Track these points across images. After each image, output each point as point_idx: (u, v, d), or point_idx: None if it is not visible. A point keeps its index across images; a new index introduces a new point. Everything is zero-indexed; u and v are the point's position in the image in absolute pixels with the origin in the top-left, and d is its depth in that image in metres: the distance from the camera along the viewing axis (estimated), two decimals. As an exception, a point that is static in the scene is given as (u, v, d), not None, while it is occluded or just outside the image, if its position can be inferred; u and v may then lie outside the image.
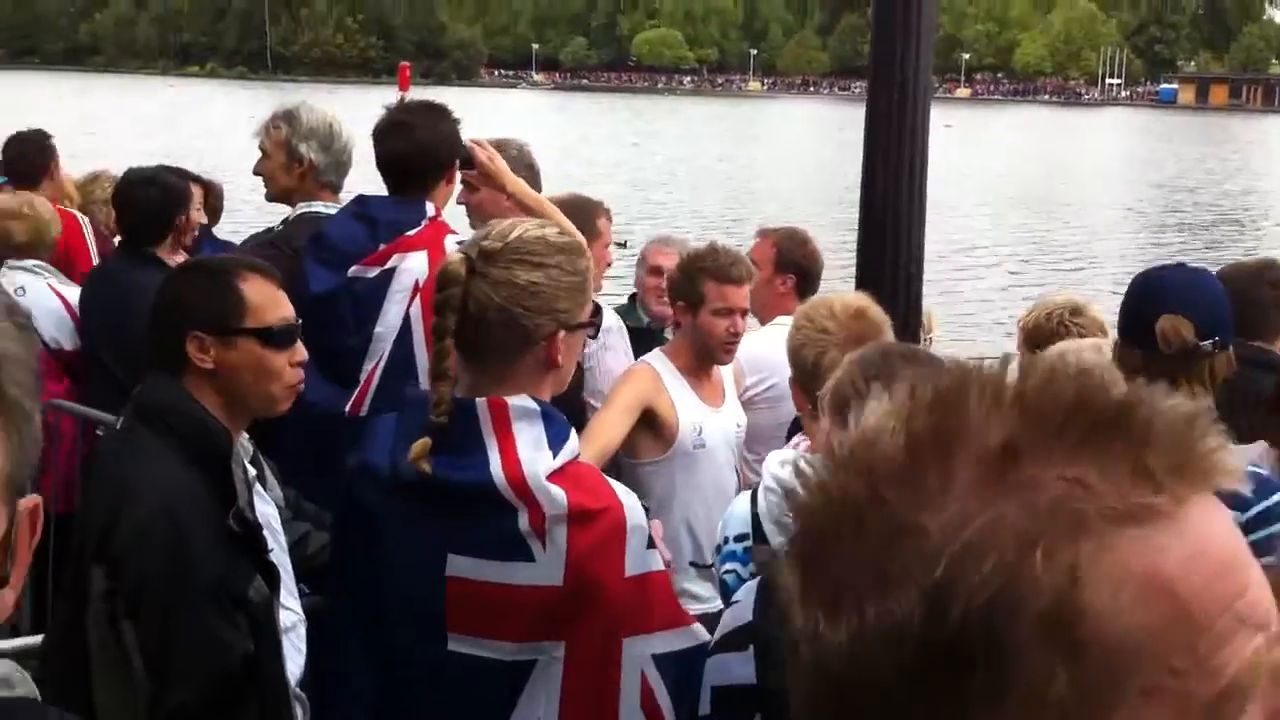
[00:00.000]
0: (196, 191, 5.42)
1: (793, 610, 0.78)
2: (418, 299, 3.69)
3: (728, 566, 3.26)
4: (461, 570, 2.41)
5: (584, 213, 4.49)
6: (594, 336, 2.73)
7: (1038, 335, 4.27)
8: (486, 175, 4.08)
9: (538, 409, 2.42)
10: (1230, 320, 3.35)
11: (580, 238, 2.67)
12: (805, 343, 3.25)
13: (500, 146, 4.31)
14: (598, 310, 2.61)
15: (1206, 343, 3.24)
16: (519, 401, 2.41)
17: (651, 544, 2.46)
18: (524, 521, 2.35)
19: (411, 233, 3.79)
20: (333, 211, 4.25)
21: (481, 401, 2.40)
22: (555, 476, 2.37)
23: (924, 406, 0.76)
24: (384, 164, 3.94)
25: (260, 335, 2.80)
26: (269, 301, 2.83)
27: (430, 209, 3.87)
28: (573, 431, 2.49)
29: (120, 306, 4.59)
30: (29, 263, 5.16)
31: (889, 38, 4.18)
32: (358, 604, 2.61)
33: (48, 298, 5.07)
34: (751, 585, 2.44)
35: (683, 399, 4.15)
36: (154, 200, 4.93)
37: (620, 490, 2.48)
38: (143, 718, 2.56)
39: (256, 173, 4.48)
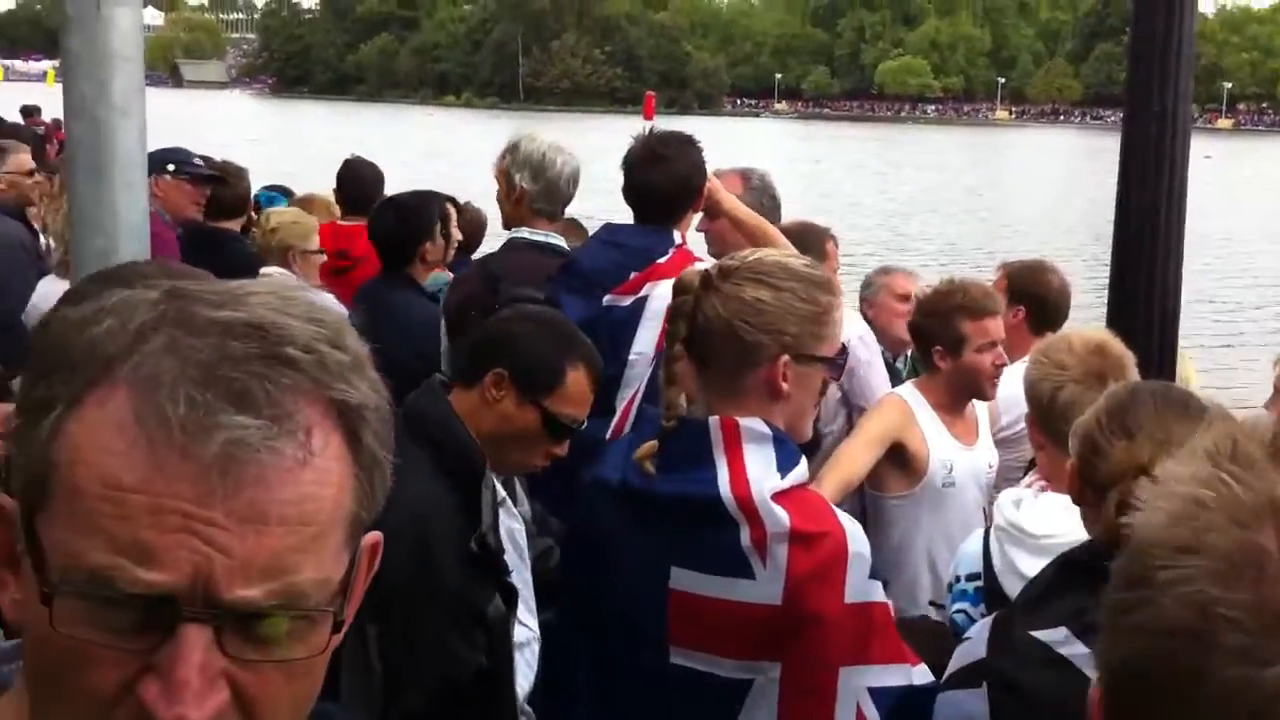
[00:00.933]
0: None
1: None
2: None
3: (958, 606, 3.23)
4: (683, 583, 2.44)
5: (810, 238, 4.50)
6: (836, 378, 2.71)
7: None
8: (713, 205, 4.13)
9: (769, 433, 2.43)
10: None
11: (833, 276, 2.67)
12: (1042, 378, 3.18)
13: (743, 175, 4.34)
14: (843, 351, 2.59)
15: None
16: (750, 423, 2.43)
17: (874, 574, 2.44)
18: (745, 537, 2.36)
19: (662, 260, 3.84)
20: (539, 239, 4.40)
21: (714, 420, 2.44)
22: (780, 497, 2.38)
23: None
24: (637, 193, 4.02)
25: (549, 421, 2.88)
26: (578, 398, 2.93)
27: (677, 237, 3.93)
28: (803, 459, 2.49)
29: (373, 326, 4.80)
30: (274, 270, 5.38)
31: (1147, 66, 4.04)
32: (583, 615, 2.67)
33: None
34: (985, 623, 2.40)
35: (935, 435, 4.09)
36: (393, 225, 5.17)
37: (843, 517, 2.47)
38: (377, 718, 2.65)
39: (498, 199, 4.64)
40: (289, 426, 0.93)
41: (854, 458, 3.95)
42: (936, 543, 4.06)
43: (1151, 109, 4.01)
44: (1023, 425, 4.19)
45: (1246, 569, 0.79)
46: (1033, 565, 2.93)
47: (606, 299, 3.83)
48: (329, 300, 5.38)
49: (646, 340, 3.77)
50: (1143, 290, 4.16)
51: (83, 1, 2.80)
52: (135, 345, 0.93)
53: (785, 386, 2.47)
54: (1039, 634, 2.23)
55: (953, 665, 2.40)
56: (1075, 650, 2.15)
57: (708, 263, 3.86)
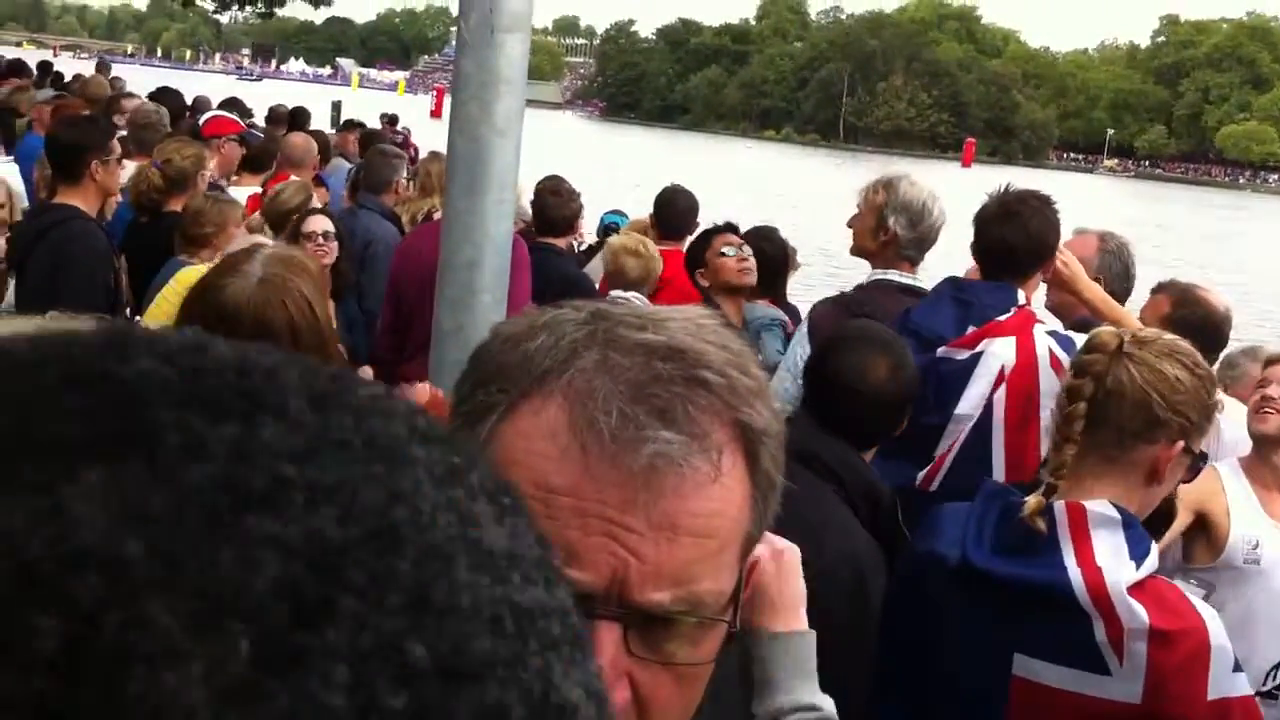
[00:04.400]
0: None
1: None
2: (1003, 386, 3.65)
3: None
4: (1029, 671, 2.37)
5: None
6: (1191, 480, 2.62)
7: None
8: (1060, 281, 4.00)
9: (1118, 518, 2.35)
10: None
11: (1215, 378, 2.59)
12: None
13: (1100, 238, 4.20)
14: (1203, 457, 2.51)
15: None
16: (1098, 508, 2.35)
17: (1238, 667, 2.33)
18: (1100, 632, 2.28)
19: (1002, 319, 3.75)
20: (907, 281, 4.33)
21: (1060, 505, 2.37)
22: (1135, 590, 2.29)
23: None
24: (989, 249, 3.94)
25: None
26: None
27: (1021, 297, 3.83)
28: (1154, 545, 2.39)
29: None
30: (631, 294, 5.59)
31: None
32: (907, 685, 2.62)
33: None
34: None
35: (1241, 508, 3.86)
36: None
37: (1202, 609, 2.36)
38: None
39: (849, 225, 4.59)
40: (705, 445, 0.98)
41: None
42: (1240, 623, 3.79)
43: None
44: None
45: None
46: None
47: (941, 350, 3.77)
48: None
49: (978, 395, 3.69)
50: None
51: (479, 27, 2.97)
52: (569, 361, 0.99)
53: (1165, 473, 2.40)
54: None
55: None
56: None
57: (1050, 325, 3.76)
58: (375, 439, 0.40)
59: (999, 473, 3.57)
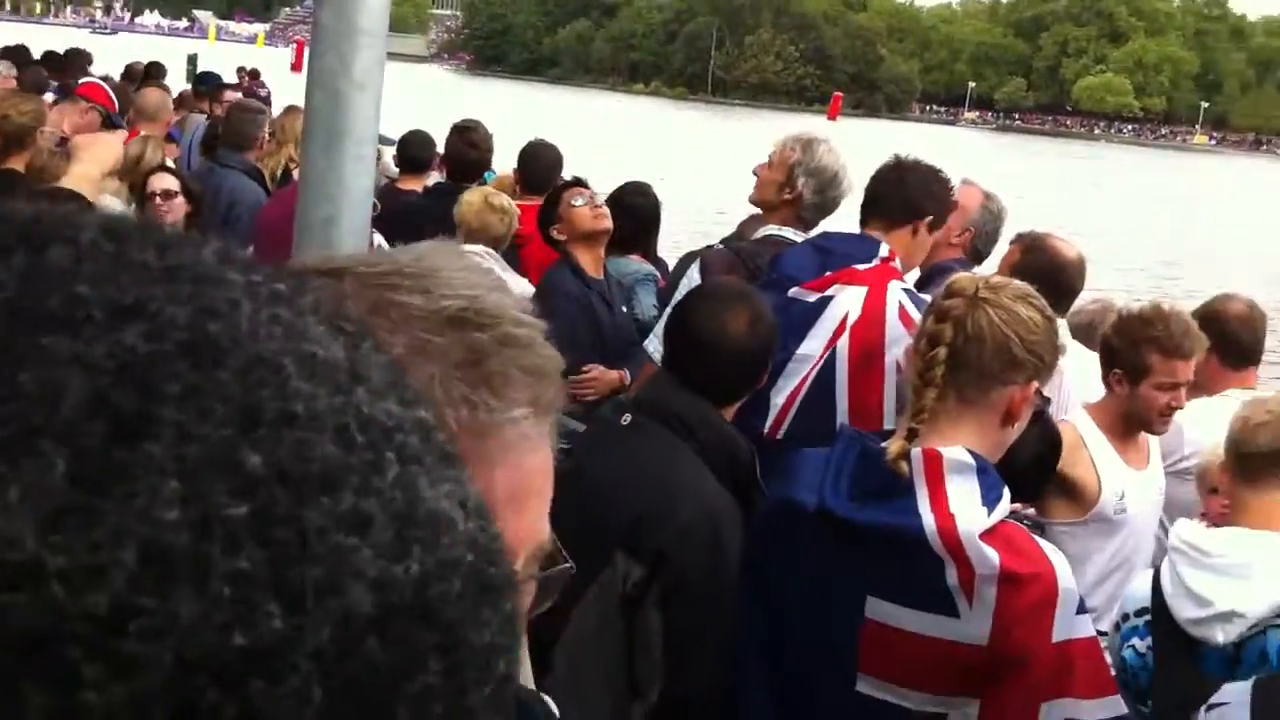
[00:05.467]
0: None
1: None
2: (846, 334, 3.69)
3: (1128, 643, 3.19)
4: (881, 614, 2.42)
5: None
6: (1037, 421, 2.71)
7: None
8: None
9: (973, 464, 2.40)
10: None
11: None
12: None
13: (987, 197, 4.29)
14: (1046, 400, 2.58)
15: None
16: (954, 454, 2.40)
17: (1082, 609, 2.40)
18: (952, 576, 2.33)
19: (860, 267, 3.79)
20: (797, 239, 4.32)
21: (916, 452, 2.41)
22: (988, 535, 2.34)
23: None
24: (865, 198, 4.03)
25: None
26: None
27: (885, 249, 3.87)
28: (1006, 489, 2.45)
29: None
30: (479, 248, 5.49)
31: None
32: (763, 628, 2.66)
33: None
34: (1242, 686, 2.34)
35: (1106, 462, 3.95)
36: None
37: (1051, 552, 2.43)
38: (647, 702, 2.78)
39: (755, 173, 4.59)
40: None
41: None
42: (1110, 569, 3.94)
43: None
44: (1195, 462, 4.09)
45: None
46: (1209, 586, 2.90)
47: (793, 291, 3.79)
48: (520, 283, 5.51)
49: (820, 339, 3.72)
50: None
51: (336, -24, 2.89)
52: None
53: (1019, 415, 2.46)
54: None
55: None
56: None
57: (909, 284, 3.82)
58: (182, 265, 0.38)
59: (843, 419, 3.62)
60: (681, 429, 3.03)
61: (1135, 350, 3.88)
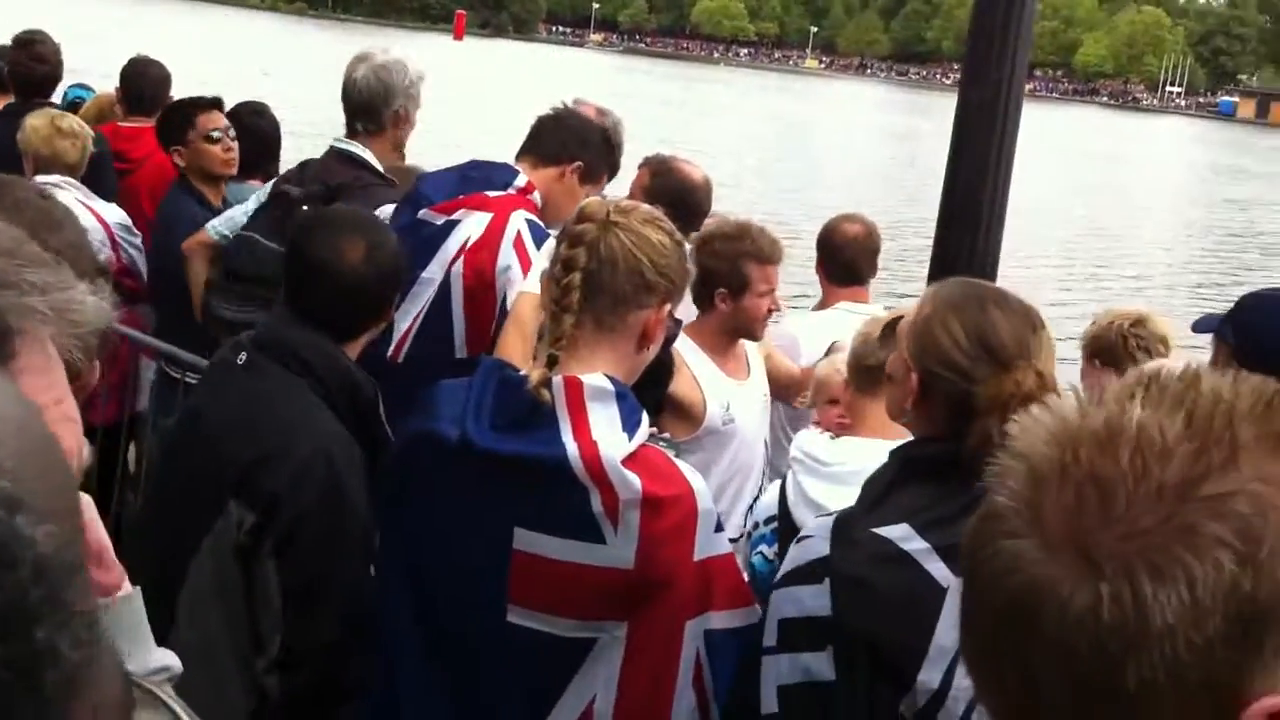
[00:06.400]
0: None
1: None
2: (462, 259, 3.66)
3: (757, 550, 3.32)
4: (529, 545, 2.39)
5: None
6: (670, 344, 2.76)
7: (1097, 345, 4.22)
8: None
9: (612, 390, 2.40)
10: None
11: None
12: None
13: (600, 112, 4.28)
14: (678, 323, 2.61)
15: None
16: (594, 381, 2.39)
17: (719, 527, 2.45)
18: (596, 503, 2.33)
19: (492, 194, 3.74)
20: (355, 151, 4.46)
21: (558, 380, 2.38)
22: (629, 461, 2.35)
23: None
24: (527, 134, 4.03)
25: None
26: None
27: (523, 179, 3.82)
28: (644, 414, 2.46)
29: None
30: (55, 178, 5.01)
31: (988, 33, 4.07)
32: (405, 563, 2.59)
33: (81, 213, 5.04)
34: (825, 521, 2.44)
35: (708, 377, 4.07)
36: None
37: (690, 474, 2.45)
38: (268, 655, 2.69)
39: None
40: None
41: None
42: (727, 479, 4.07)
43: (989, 76, 4.04)
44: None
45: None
46: (826, 493, 3.04)
47: (422, 213, 3.73)
48: (111, 211, 5.14)
49: (439, 265, 3.68)
50: (966, 250, 4.21)
51: None
52: None
53: (654, 337, 2.47)
54: (881, 530, 2.29)
55: (790, 563, 2.44)
56: (917, 546, 2.25)
57: (537, 220, 3.79)
58: None
59: (460, 344, 3.64)
60: (298, 365, 2.89)
61: (734, 265, 4.01)
